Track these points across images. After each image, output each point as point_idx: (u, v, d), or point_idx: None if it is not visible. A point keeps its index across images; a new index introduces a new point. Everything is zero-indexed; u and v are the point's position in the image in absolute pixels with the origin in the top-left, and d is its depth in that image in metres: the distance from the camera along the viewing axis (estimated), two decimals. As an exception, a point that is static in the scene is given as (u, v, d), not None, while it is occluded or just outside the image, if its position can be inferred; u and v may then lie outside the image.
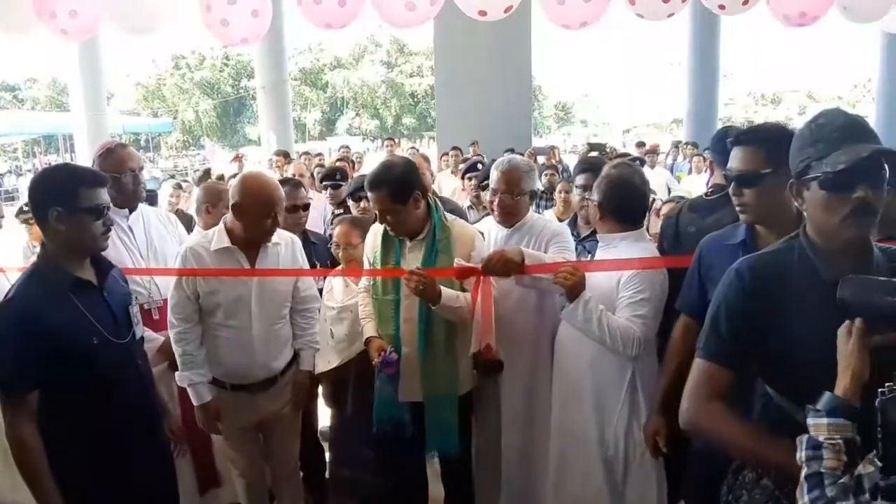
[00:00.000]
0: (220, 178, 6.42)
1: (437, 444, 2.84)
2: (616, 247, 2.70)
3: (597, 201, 2.72)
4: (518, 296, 2.88)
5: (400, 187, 2.69)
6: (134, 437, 2.31)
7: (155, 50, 43.53)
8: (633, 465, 2.62)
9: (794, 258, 1.64)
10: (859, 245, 1.57)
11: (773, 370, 1.68)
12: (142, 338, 2.46)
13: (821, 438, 1.34)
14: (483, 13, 4.04)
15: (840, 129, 1.52)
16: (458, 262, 2.71)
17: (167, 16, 4.69)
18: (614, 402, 2.63)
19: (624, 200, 2.71)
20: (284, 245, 2.98)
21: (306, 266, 3.16)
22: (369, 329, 2.92)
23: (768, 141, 2.07)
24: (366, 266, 2.98)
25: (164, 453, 2.50)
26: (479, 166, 4.27)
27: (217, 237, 2.83)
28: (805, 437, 1.37)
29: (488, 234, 3.04)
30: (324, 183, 4.84)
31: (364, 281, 3.02)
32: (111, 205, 2.29)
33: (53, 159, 28.16)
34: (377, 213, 2.77)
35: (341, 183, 4.63)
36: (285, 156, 8.99)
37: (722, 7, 4.24)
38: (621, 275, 2.61)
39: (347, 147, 12.42)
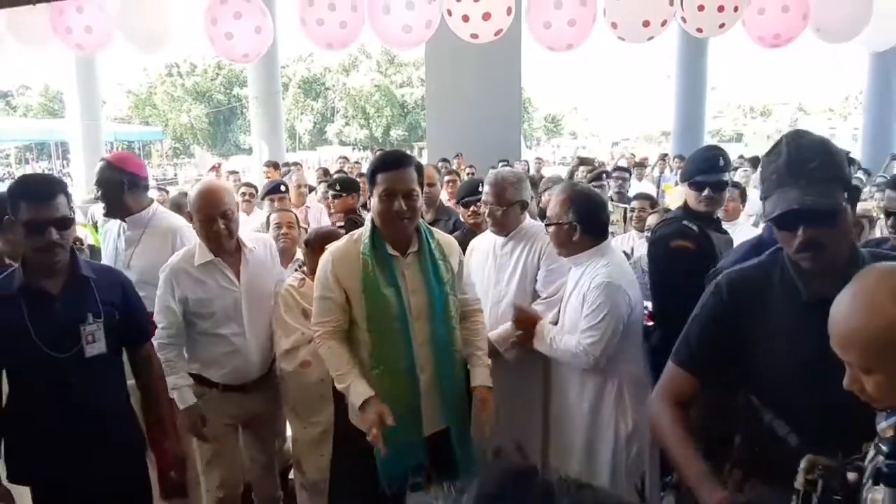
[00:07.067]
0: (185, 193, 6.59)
1: (469, 469, 2.46)
2: (584, 265, 2.77)
3: (571, 221, 2.75)
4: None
5: (421, 171, 2.54)
6: (68, 449, 2.34)
7: (146, 58, 43.61)
8: (621, 467, 2.70)
9: (777, 273, 1.67)
10: (833, 267, 1.56)
11: (754, 382, 1.72)
12: (99, 356, 2.37)
13: None
14: (475, 36, 4.31)
15: (778, 170, 1.59)
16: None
17: (175, 30, 4.89)
18: (603, 406, 2.75)
19: (595, 212, 2.78)
20: (262, 247, 3.11)
21: (279, 265, 3.28)
22: (360, 386, 2.38)
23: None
24: (334, 300, 2.48)
25: (114, 474, 2.43)
26: (480, 188, 3.72)
27: (199, 252, 2.90)
28: None
29: (488, 245, 3.16)
30: (329, 191, 5.13)
31: (324, 316, 2.51)
32: (67, 217, 2.29)
33: (45, 166, 28.19)
34: (402, 194, 2.39)
35: (342, 193, 4.86)
36: (275, 166, 9.11)
37: (700, 30, 4.52)
38: (587, 290, 2.69)
39: (346, 157, 12.61)
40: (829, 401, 1.40)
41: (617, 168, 7.61)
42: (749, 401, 1.74)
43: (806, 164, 1.54)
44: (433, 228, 2.68)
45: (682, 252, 2.88)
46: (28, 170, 25.68)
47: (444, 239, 2.65)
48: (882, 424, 1.25)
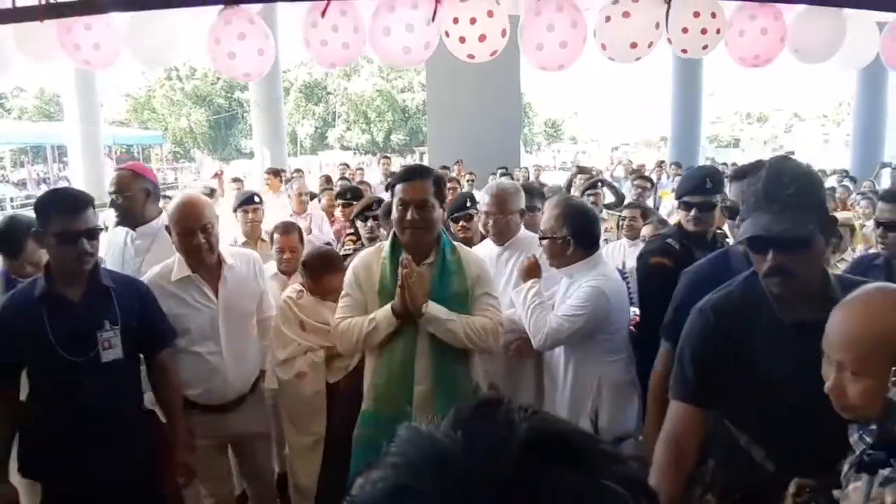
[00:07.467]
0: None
1: None
2: (575, 276, 2.91)
3: (565, 235, 2.87)
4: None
5: (441, 183, 2.62)
6: (80, 449, 2.41)
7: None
8: None
9: (757, 297, 1.68)
10: (805, 292, 1.59)
11: (732, 406, 1.73)
12: (115, 361, 2.48)
13: None
14: (472, 56, 4.50)
15: (756, 193, 1.61)
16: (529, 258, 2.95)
17: (181, 46, 5.02)
18: (580, 404, 2.93)
19: (588, 226, 2.95)
20: (245, 263, 3.01)
21: (265, 283, 3.20)
22: (383, 308, 2.53)
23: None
24: (356, 298, 2.65)
25: (123, 474, 2.49)
26: (468, 203, 3.95)
27: (177, 267, 2.81)
28: None
29: (485, 254, 3.23)
30: (338, 200, 5.41)
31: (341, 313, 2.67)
32: (97, 228, 2.44)
33: (41, 169, 28.26)
34: (413, 205, 2.51)
35: (353, 202, 5.02)
36: (275, 173, 8.98)
37: (684, 51, 4.71)
38: (575, 290, 2.86)
39: (346, 164, 12.71)
40: (807, 425, 1.43)
41: (639, 177, 7.91)
42: (723, 425, 1.76)
43: (783, 191, 1.54)
44: (459, 245, 2.77)
45: (659, 269, 3.02)
46: (24, 173, 25.70)
47: (466, 254, 2.71)
48: (854, 437, 1.30)
